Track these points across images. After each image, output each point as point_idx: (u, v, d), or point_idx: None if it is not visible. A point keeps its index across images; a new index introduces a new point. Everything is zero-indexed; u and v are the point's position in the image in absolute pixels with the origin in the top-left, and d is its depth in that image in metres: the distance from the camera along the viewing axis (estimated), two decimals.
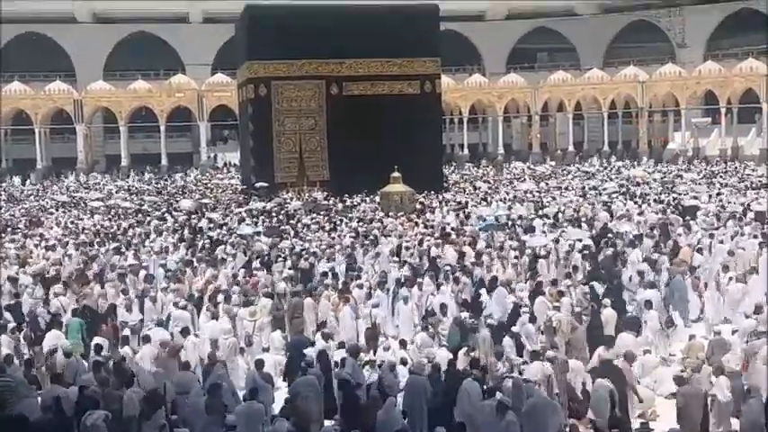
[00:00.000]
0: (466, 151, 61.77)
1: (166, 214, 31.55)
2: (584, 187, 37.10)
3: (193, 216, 30.71)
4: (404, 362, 13.14)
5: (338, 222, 27.40)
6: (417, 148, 37.37)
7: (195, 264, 20.31)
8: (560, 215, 27.23)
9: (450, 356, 13.03)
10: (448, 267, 18.93)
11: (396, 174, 32.27)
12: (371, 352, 14.01)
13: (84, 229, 28.34)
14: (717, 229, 23.30)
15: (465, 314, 15.39)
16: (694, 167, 47.42)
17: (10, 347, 13.66)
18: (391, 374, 12.35)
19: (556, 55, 71.64)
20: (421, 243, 22.21)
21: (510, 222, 25.91)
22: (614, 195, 32.61)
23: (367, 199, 34.64)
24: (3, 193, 45.83)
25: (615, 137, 61.83)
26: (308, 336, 15.22)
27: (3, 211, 35.71)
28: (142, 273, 19.42)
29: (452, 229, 24.94)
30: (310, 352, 13.13)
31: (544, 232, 23.75)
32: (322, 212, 30.50)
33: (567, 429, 10.63)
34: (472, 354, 13.08)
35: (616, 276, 18.03)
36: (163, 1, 64.89)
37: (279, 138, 39.59)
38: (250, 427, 10.51)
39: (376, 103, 38.84)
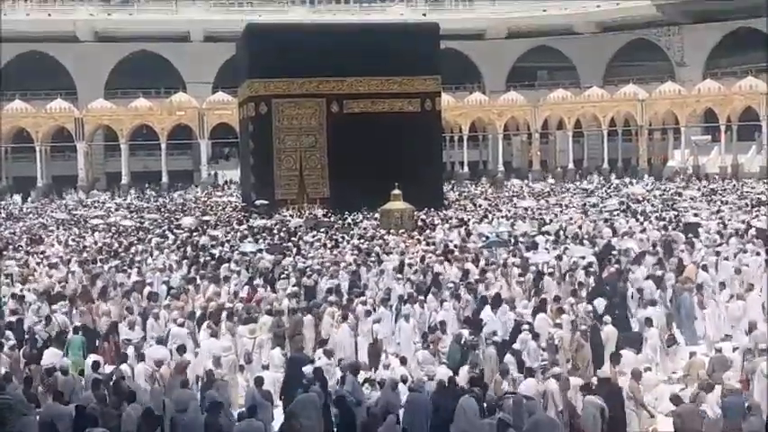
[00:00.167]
0: (466, 169, 61.79)
1: (167, 232, 31.55)
2: (584, 204, 37.09)
3: (195, 233, 30.72)
4: (404, 379, 13.10)
5: (340, 240, 27.41)
6: (418, 165, 37.44)
7: (198, 281, 20.31)
8: (562, 232, 27.21)
9: (450, 374, 12.98)
10: (451, 285, 18.92)
11: (396, 191, 32.22)
12: (373, 369, 13.95)
13: (85, 247, 28.34)
14: (720, 246, 23.26)
15: (465, 331, 15.35)
16: (692, 185, 47.43)
17: (8, 365, 13.61)
18: (393, 393, 12.29)
19: (556, 73, 71.82)
20: (423, 260, 22.19)
21: (512, 239, 25.90)
22: (615, 212, 32.59)
23: (368, 216, 34.63)
24: (2, 211, 45.80)
25: (615, 154, 61.85)
26: (308, 353, 15.16)
27: (2, 229, 35.70)
28: (146, 290, 19.42)
29: (455, 246, 24.93)
30: (308, 369, 13.09)
31: (547, 249, 23.70)
32: (323, 229, 30.52)
33: None
34: (475, 371, 13.03)
35: (621, 293, 17.97)
36: (164, 20, 65.25)
37: (279, 155, 39.63)
38: None
39: (376, 121, 38.89)
